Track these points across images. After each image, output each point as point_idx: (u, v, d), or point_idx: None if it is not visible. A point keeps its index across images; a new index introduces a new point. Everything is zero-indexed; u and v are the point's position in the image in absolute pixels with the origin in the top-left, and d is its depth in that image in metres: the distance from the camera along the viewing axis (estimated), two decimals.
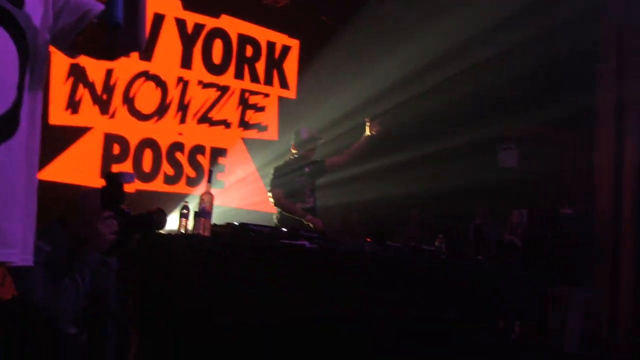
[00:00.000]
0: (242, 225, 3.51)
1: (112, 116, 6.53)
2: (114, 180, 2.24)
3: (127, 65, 6.58)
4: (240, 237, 3.45)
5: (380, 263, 3.87)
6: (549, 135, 8.86)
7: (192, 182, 6.89)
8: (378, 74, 7.59)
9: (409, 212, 8.40)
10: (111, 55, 1.79)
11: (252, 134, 7.56)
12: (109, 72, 6.49)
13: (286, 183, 5.05)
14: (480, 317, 4.64)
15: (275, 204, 5.15)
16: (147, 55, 6.68)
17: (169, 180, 6.84)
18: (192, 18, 7.05)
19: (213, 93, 7.22)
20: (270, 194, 5.19)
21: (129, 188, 6.28)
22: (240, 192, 6.99)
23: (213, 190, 3.51)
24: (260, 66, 7.61)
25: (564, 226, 6.94)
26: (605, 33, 7.90)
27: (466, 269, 4.70)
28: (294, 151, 5.23)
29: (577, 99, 7.89)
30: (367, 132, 5.41)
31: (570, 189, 8.15)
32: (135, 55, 6.61)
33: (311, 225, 4.84)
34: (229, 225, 3.57)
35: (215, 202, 3.45)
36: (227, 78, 7.35)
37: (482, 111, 8.47)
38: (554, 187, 8.27)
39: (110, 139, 6.51)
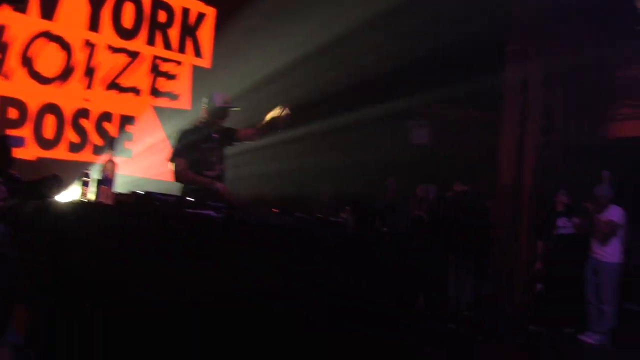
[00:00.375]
0: (147, 194, 3.41)
1: (7, 78, 6.15)
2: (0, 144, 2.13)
3: (24, 23, 6.21)
4: (144, 206, 3.35)
5: (286, 234, 3.89)
6: (459, 113, 9.16)
7: (98, 150, 6.64)
8: (293, 44, 7.55)
9: (322, 184, 8.48)
10: None
11: (163, 102, 7.36)
12: (0, 29, 6.10)
13: (191, 150, 4.79)
14: (386, 289, 4.75)
15: (176, 177, 4.78)
16: (47, 13, 6.33)
17: (74, 147, 6.58)
18: None
19: (123, 59, 6.96)
20: (171, 163, 4.77)
21: (28, 155, 5.96)
22: (149, 161, 6.80)
23: (120, 159, 3.40)
24: (174, 33, 7.40)
25: (465, 201, 7.26)
26: (515, 17, 8.23)
27: (372, 241, 4.79)
28: (204, 116, 4.99)
29: (487, 80, 8.22)
30: (274, 114, 5.03)
31: (477, 165, 8.48)
32: (34, 12, 6.26)
33: (220, 191, 4.71)
34: (133, 193, 3.46)
35: (124, 171, 3.34)
36: (138, 44, 7.10)
37: (396, 88, 8.63)
38: (462, 164, 8.58)
39: (5, 103, 6.15)
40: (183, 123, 6.77)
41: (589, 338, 6.61)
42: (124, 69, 6.96)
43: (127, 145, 6.86)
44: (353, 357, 4.07)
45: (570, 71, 8.64)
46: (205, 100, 5.00)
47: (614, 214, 6.66)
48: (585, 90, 9.04)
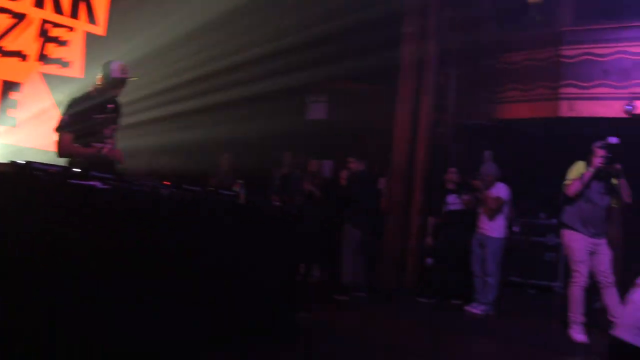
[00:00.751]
0: (27, 164, 3.24)
1: None
2: None
3: None
4: (24, 176, 3.19)
5: (175, 206, 3.84)
6: (356, 89, 9.29)
7: None
8: (189, 13, 7.37)
9: (220, 156, 8.38)
10: None
11: (53, 69, 6.98)
12: None
13: (81, 120, 4.55)
14: (276, 260, 4.81)
15: (59, 152, 4.55)
16: None
17: None
18: None
19: (6, 20, 6.53)
20: (57, 134, 4.54)
21: None
22: (36, 130, 6.44)
23: (2, 127, 3.20)
24: None
25: (356, 176, 7.44)
26: None
27: (264, 214, 4.83)
28: (99, 85, 4.76)
29: (384, 56, 8.39)
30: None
31: (374, 140, 8.67)
32: None
33: (109, 157, 4.54)
34: (13, 163, 3.28)
35: (7, 141, 3.14)
36: (25, 5, 6.68)
37: (295, 63, 8.63)
38: (359, 139, 8.74)
39: None
40: (74, 91, 6.47)
41: (475, 309, 6.97)
42: (8, 31, 6.52)
43: (10, 113, 6.45)
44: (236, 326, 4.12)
45: (463, 54, 9.00)
46: (101, 68, 4.77)
47: (501, 191, 7.02)
48: (477, 73, 9.46)
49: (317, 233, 7.63)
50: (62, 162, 4.45)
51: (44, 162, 3.43)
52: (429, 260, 7.75)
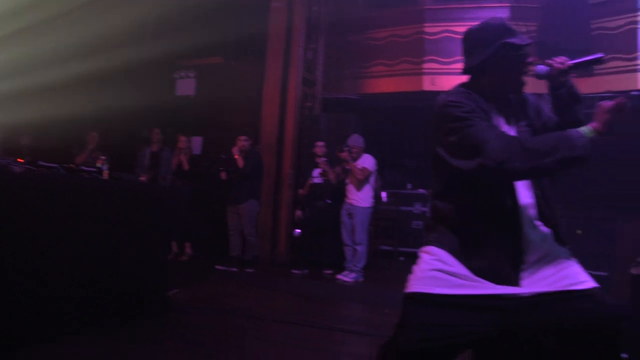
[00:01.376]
0: None
1: None
2: None
3: None
4: None
5: (29, 183, 3.59)
6: (225, 65, 9.13)
7: None
8: None
9: (87, 134, 7.95)
10: None
11: None
12: None
13: None
14: (150, 238, 4.64)
15: None
16: None
17: None
18: None
19: None
20: None
21: None
22: None
23: None
24: None
25: (249, 153, 7.42)
26: None
27: (130, 191, 4.63)
28: None
29: (252, 32, 8.30)
30: None
31: (243, 116, 8.57)
32: None
33: None
34: None
35: None
36: None
37: (162, 38, 8.34)
38: (228, 114, 8.61)
39: None
40: None
41: (346, 277, 7.14)
42: None
43: None
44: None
45: (330, 29, 9.11)
46: None
47: (367, 162, 7.19)
48: (345, 48, 9.62)
49: (187, 208, 7.49)
50: None
51: None
52: (297, 232, 7.84)
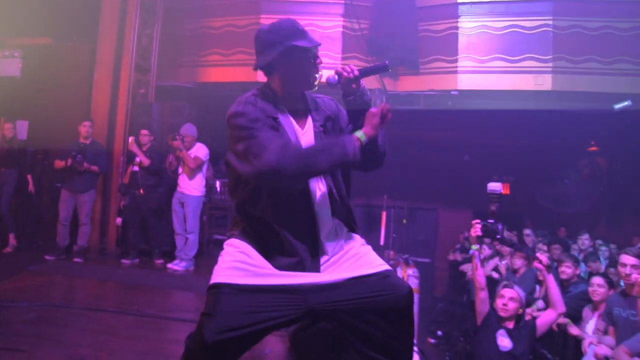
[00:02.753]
0: None
1: None
2: None
3: None
4: None
5: None
6: (54, 47, 8.66)
7: None
8: None
9: None
10: None
11: None
12: None
13: None
14: None
15: None
16: None
17: None
18: None
19: None
20: None
21: None
22: None
23: None
24: None
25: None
26: None
27: None
28: None
29: (83, 13, 7.97)
30: None
31: (72, 101, 8.19)
32: None
33: None
34: None
35: None
36: None
37: None
38: (56, 99, 8.18)
39: None
40: None
41: (177, 266, 7.16)
42: None
43: None
44: None
45: (167, 15, 8.99)
46: None
47: (200, 151, 7.24)
48: (181, 35, 9.56)
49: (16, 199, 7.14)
50: None
51: None
52: (118, 221, 7.72)
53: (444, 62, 9.38)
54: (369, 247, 2.40)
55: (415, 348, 3.83)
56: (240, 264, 2.26)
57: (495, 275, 7.27)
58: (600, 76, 8.79)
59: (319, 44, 2.33)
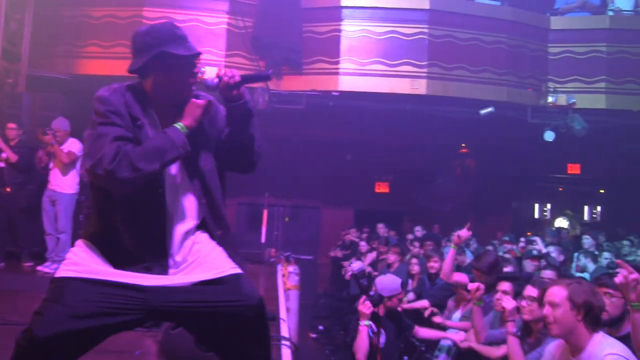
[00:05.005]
0: None
1: None
2: None
3: None
4: None
5: None
6: None
7: None
8: None
9: None
10: None
11: None
12: None
13: None
14: None
15: None
16: None
17: None
18: None
19: None
20: None
21: None
22: None
23: None
24: None
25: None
26: None
27: None
28: None
29: None
30: None
31: None
32: None
33: None
34: None
35: None
36: None
37: None
38: None
39: None
40: None
41: (48, 268, 6.80)
42: None
43: None
44: None
45: (42, 0, 8.52)
46: None
47: (73, 146, 6.92)
48: (57, 23, 9.06)
49: None
50: None
51: None
52: None
53: (326, 63, 9.61)
54: (221, 250, 2.35)
55: (287, 343, 3.94)
56: (81, 260, 2.22)
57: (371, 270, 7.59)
58: (469, 83, 9.46)
59: (199, 53, 2.29)
